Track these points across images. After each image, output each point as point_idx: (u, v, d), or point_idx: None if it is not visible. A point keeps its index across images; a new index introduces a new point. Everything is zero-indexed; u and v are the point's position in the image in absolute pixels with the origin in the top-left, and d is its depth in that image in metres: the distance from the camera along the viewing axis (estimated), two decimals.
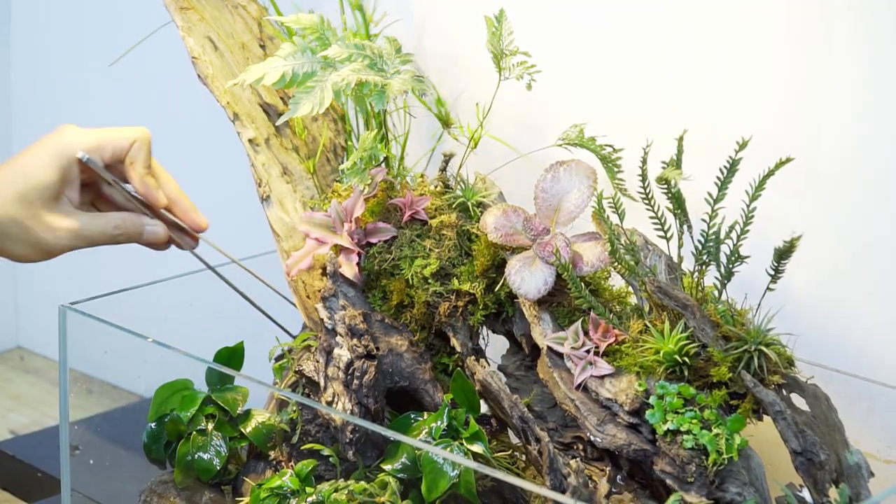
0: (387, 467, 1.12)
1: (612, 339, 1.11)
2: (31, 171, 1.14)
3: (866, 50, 1.18)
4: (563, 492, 1.03)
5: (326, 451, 1.18)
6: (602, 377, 1.09)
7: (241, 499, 1.22)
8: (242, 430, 1.25)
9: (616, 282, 1.20)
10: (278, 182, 1.30)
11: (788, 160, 1.05)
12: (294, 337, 1.29)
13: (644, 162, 1.13)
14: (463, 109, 1.38)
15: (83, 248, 1.18)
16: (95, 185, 1.19)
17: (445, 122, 1.30)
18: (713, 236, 1.09)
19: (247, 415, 1.26)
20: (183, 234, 1.22)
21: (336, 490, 1.12)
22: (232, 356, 1.29)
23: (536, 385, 1.18)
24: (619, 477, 1.10)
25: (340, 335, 1.16)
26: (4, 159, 1.15)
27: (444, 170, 1.28)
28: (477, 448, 1.11)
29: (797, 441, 1.03)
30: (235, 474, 1.25)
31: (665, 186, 1.10)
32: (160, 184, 1.20)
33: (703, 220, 1.09)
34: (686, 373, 1.07)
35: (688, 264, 1.13)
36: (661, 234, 1.13)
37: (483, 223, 1.18)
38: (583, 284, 1.12)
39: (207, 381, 1.28)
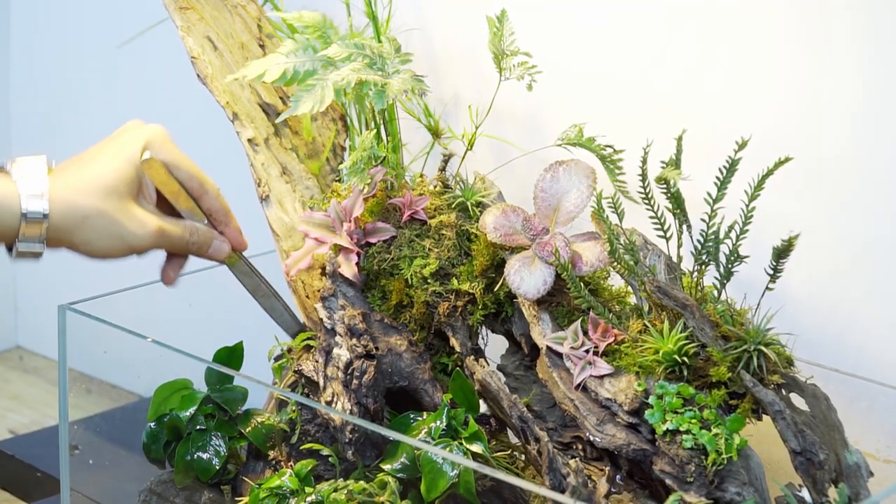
0: (386, 467, 1.12)
1: (612, 339, 1.11)
2: (118, 164, 1.11)
3: (865, 50, 1.18)
4: (563, 492, 1.03)
5: (326, 451, 1.18)
6: (601, 377, 1.09)
7: (240, 499, 1.22)
8: (242, 429, 1.25)
9: (615, 281, 1.20)
10: (277, 182, 1.30)
11: (787, 160, 1.05)
12: (305, 329, 1.29)
13: (644, 162, 1.13)
14: (462, 110, 1.39)
15: (158, 250, 1.16)
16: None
17: (435, 133, 1.31)
18: (712, 236, 1.09)
19: (246, 415, 1.26)
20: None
21: (335, 490, 1.12)
22: (231, 356, 1.29)
23: (536, 385, 1.18)
24: (618, 477, 1.10)
25: (340, 335, 1.16)
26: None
27: (443, 170, 1.28)
28: (476, 448, 1.11)
29: (796, 441, 1.03)
30: (235, 474, 1.25)
31: (664, 186, 1.10)
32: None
33: (703, 220, 1.09)
34: (685, 373, 1.07)
35: (687, 264, 1.13)
36: (661, 233, 1.13)
37: (482, 223, 1.18)
38: (582, 284, 1.12)
39: (207, 380, 1.28)
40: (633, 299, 1.17)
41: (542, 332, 1.14)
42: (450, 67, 1.45)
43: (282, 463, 1.22)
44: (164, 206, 1.18)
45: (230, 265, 1.23)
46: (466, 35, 1.39)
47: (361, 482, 1.12)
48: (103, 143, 1.15)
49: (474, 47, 1.26)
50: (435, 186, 1.27)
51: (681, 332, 1.07)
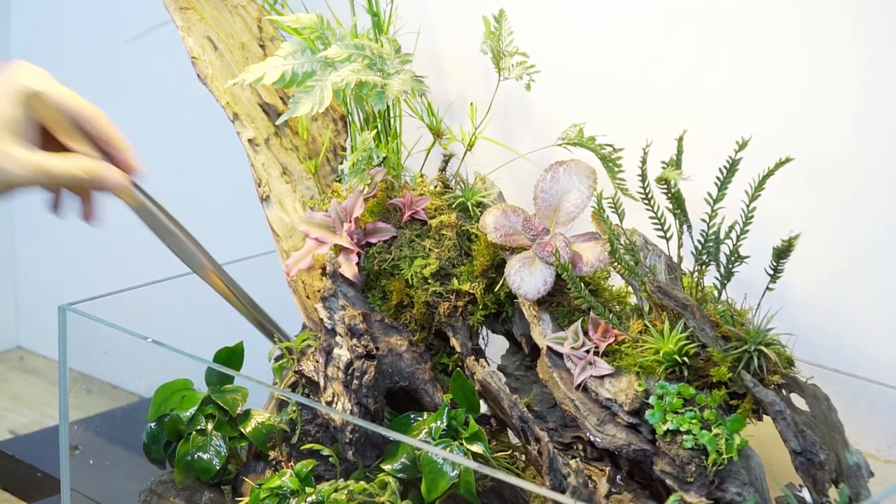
0: (386, 467, 1.12)
1: (612, 339, 1.11)
2: None
3: (865, 50, 1.18)
4: (563, 492, 1.03)
5: (326, 451, 1.18)
6: (602, 377, 1.09)
7: (240, 499, 1.22)
8: (242, 430, 1.25)
9: (616, 282, 1.20)
10: (278, 182, 1.30)
11: (788, 160, 1.05)
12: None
13: (644, 162, 1.13)
14: (461, 110, 1.38)
15: (46, 187, 1.14)
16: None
17: (437, 133, 1.31)
18: (713, 236, 1.09)
19: (246, 415, 1.26)
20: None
21: (336, 490, 1.12)
22: (231, 356, 1.29)
23: (536, 385, 1.18)
24: (618, 477, 1.10)
25: (340, 335, 1.16)
26: None
27: (443, 170, 1.28)
28: (476, 448, 1.11)
29: (797, 441, 1.03)
30: (235, 474, 1.25)
31: (664, 186, 1.10)
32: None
33: (703, 220, 1.09)
34: (686, 373, 1.07)
35: (687, 264, 1.13)
36: (661, 234, 1.13)
37: (483, 223, 1.18)
38: (582, 284, 1.12)
39: (207, 381, 1.28)
40: (633, 299, 1.17)
41: (543, 333, 1.14)
42: (453, 67, 1.45)
43: (282, 463, 1.22)
44: (55, 146, 1.17)
45: (131, 206, 1.18)
46: (470, 35, 1.39)
47: (362, 482, 1.12)
48: None
49: (477, 47, 1.26)
50: (435, 186, 1.28)
51: (681, 333, 1.07)
